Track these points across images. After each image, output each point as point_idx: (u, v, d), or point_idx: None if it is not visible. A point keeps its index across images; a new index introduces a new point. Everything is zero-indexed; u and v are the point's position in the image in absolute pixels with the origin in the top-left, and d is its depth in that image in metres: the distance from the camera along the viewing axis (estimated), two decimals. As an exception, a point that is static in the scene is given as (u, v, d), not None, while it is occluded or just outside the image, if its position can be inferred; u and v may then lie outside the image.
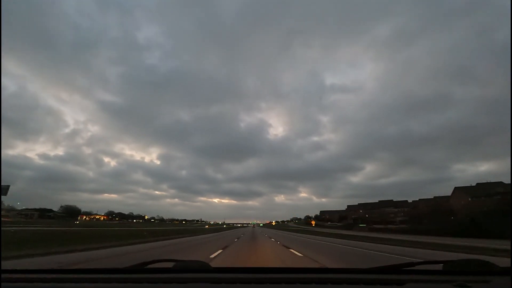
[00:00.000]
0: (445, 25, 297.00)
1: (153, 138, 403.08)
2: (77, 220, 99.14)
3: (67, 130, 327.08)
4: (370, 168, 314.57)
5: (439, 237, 29.32)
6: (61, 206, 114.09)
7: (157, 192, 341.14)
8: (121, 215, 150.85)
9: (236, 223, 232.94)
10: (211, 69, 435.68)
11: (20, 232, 18.32)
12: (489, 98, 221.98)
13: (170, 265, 1.58)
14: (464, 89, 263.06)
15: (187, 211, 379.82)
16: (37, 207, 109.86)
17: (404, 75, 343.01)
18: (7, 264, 6.27)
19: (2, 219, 46.74)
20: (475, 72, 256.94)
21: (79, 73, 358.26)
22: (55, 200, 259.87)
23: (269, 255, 9.36)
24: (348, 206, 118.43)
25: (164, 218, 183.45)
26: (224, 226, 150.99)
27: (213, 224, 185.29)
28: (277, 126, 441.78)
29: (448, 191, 68.69)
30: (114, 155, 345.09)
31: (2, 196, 18.58)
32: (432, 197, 75.81)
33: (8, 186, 19.36)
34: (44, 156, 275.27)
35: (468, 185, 61.89)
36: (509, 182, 47.64)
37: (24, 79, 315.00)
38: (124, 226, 60.42)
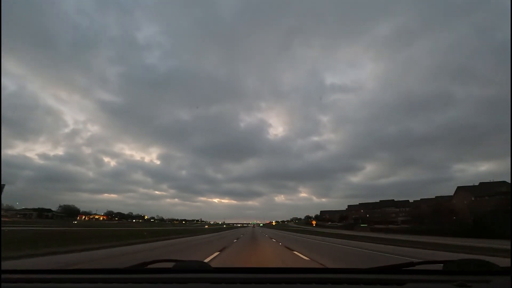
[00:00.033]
0: (445, 25, 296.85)
1: (153, 138, 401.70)
2: (75, 220, 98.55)
3: (66, 130, 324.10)
4: (370, 168, 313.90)
5: (442, 237, 29.03)
6: (60, 206, 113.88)
7: (157, 192, 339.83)
8: (120, 215, 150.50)
9: (236, 223, 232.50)
10: (210, 68, 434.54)
11: (13, 232, 17.90)
12: (490, 98, 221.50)
13: (170, 265, 1.58)
14: (465, 88, 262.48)
15: (187, 211, 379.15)
16: (36, 207, 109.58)
17: (404, 74, 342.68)
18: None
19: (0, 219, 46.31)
20: (476, 71, 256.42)
21: (79, 72, 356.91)
22: (55, 200, 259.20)
23: (271, 258, 8.61)
24: (348, 206, 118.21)
25: (164, 218, 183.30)
26: (224, 226, 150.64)
27: (213, 224, 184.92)
28: (277, 126, 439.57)
29: (448, 191, 68.53)
30: (114, 155, 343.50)
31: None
32: (434, 197, 75.67)
33: (3, 185, 18.90)
34: (43, 156, 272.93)
35: (470, 184, 61.52)
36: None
37: (23, 79, 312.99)
38: (123, 226, 60.12)
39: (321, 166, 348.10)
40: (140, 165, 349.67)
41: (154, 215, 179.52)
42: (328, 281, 1.20)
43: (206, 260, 7.99)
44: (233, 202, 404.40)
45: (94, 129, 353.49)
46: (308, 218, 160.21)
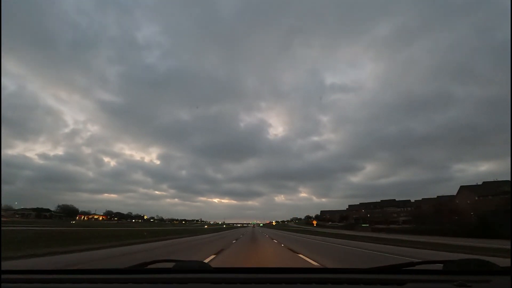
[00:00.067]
0: (445, 24, 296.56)
1: (152, 138, 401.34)
2: (74, 220, 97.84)
3: (66, 130, 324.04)
4: (370, 168, 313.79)
5: (446, 237, 28.60)
6: (58, 206, 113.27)
7: (157, 192, 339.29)
8: (119, 215, 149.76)
9: (236, 223, 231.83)
10: (210, 68, 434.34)
11: (5, 232, 17.25)
12: (490, 98, 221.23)
13: (170, 265, 1.57)
14: (465, 88, 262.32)
15: (187, 211, 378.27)
16: (36, 207, 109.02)
17: (404, 74, 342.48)
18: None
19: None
20: (476, 71, 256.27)
21: (79, 72, 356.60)
22: (55, 200, 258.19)
23: (274, 263, 7.77)
24: (349, 205, 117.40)
25: (164, 218, 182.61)
26: (224, 226, 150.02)
27: (213, 224, 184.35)
28: (277, 126, 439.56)
29: (449, 191, 68.13)
30: (113, 155, 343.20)
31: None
32: (436, 197, 74.96)
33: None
34: (43, 156, 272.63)
35: (471, 184, 60.79)
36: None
37: (23, 79, 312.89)
38: (122, 226, 59.71)
39: (321, 166, 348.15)
40: (140, 165, 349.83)
41: (154, 215, 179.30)
42: (328, 281, 1.21)
43: None
44: (233, 202, 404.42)
45: (94, 129, 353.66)
46: (308, 218, 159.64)
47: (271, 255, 9.87)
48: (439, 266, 1.48)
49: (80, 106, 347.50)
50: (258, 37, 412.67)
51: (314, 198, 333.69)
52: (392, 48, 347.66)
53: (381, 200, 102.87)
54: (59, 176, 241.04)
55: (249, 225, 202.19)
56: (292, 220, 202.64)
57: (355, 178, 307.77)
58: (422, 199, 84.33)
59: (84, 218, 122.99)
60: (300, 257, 9.02)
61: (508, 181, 54.27)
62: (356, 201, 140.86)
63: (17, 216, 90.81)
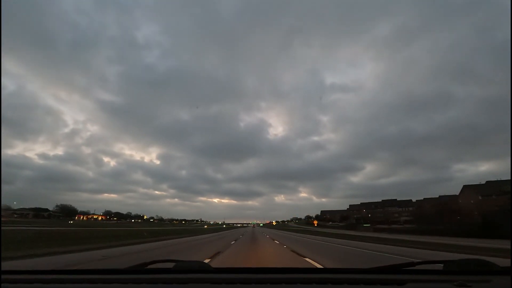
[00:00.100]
0: (445, 24, 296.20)
1: (152, 138, 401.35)
2: (72, 220, 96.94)
3: (66, 130, 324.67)
4: (370, 168, 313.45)
5: (450, 237, 28.03)
6: (57, 206, 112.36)
7: (157, 192, 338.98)
8: (119, 215, 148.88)
9: (236, 223, 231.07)
10: (210, 68, 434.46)
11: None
12: (490, 98, 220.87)
13: (170, 265, 1.57)
14: (465, 88, 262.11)
15: (187, 211, 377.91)
16: (34, 207, 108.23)
17: (404, 74, 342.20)
18: None
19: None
20: (476, 71, 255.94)
21: (78, 72, 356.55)
22: (55, 200, 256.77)
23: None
24: (350, 205, 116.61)
25: (164, 218, 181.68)
26: (224, 226, 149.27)
27: (213, 224, 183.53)
28: (277, 126, 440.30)
29: (449, 191, 67.62)
30: (113, 155, 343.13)
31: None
32: (437, 196, 74.31)
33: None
34: (43, 156, 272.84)
35: (477, 183, 59.98)
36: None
37: (23, 79, 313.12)
38: (121, 226, 59.14)
39: (321, 166, 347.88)
40: (140, 165, 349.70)
41: (154, 215, 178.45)
42: (328, 281, 1.21)
43: None
44: (233, 202, 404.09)
45: (93, 129, 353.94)
46: (308, 218, 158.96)
47: (276, 259, 8.99)
48: (439, 266, 1.47)
49: (80, 106, 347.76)
50: (258, 37, 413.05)
51: (314, 198, 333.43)
52: (392, 48, 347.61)
53: (382, 200, 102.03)
54: (59, 176, 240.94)
55: (249, 225, 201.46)
56: (292, 220, 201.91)
57: (355, 178, 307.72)
58: (424, 199, 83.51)
59: (83, 218, 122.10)
60: (307, 261, 8.12)
61: (512, 180, 53.62)
62: (356, 201, 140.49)
63: (15, 216, 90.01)
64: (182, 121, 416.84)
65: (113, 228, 39.99)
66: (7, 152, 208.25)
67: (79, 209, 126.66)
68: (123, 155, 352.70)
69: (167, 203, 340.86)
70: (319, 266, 7.23)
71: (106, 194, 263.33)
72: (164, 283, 1.25)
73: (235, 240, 18.51)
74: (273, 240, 19.76)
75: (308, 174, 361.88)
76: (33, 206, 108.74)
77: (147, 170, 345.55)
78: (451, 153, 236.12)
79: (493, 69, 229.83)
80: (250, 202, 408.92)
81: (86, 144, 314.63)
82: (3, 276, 1.35)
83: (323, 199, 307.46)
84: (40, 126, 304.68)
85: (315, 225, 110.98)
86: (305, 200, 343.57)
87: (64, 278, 1.39)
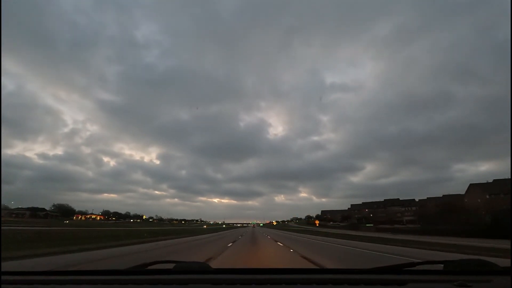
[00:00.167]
0: (445, 24, 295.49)
1: (152, 138, 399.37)
2: (68, 219, 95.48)
3: (66, 130, 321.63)
4: (370, 168, 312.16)
5: (455, 237, 27.06)
6: (54, 205, 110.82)
7: (156, 192, 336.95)
8: (118, 215, 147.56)
9: (236, 223, 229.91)
10: (210, 67, 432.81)
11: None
12: (490, 98, 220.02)
13: (170, 266, 1.57)
14: (465, 88, 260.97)
15: (187, 211, 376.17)
16: (31, 206, 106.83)
17: (404, 74, 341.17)
18: None
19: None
20: (476, 71, 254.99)
21: (78, 72, 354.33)
22: (55, 200, 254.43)
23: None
24: (351, 205, 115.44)
25: (163, 218, 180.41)
26: (224, 226, 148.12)
27: (212, 224, 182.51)
28: (277, 126, 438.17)
29: (449, 191, 66.35)
30: (113, 155, 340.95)
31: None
32: (441, 196, 73.16)
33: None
34: (43, 156, 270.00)
35: (484, 181, 58.87)
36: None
37: (22, 78, 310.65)
38: (119, 226, 58.22)
39: (321, 166, 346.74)
40: (140, 165, 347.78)
41: (154, 215, 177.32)
42: (328, 282, 1.21)
43: None
44: (233, 202, 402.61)
45: (93, 128, 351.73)
46: (308, 218, 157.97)
47: (276, 261, 7.80)
48: (440, 267, 1.47)
49: (79, 105, 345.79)
50: (258, 37, 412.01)
51: (314, 198, 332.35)
52: (392, 47, 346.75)
53: (384, 200, 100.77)
54: (58, 176, 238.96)
55: (249, 225, 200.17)
56: (292, 220, 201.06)
57: (355, 178, 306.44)
58: (427, 198, 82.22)
59: (80, 218, 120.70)
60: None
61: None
62: (356, 201, 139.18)
63: (13, 215, 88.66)
64: (182, 121, 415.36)
65: (111, 228, 39.45)
66: (6, 152, 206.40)
67: (79, 209, 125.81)
68: (123, 155, 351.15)
69: (167, 203, 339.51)
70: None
71: (106, 194, 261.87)
72: (164, 284, 1.24)
73: (233, 242, 17.15)
74: (276, 241, 18.13)
75: (308, 174, 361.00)
76: (30, 206, 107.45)
77: (147, 170, 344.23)
78: (451, 153, 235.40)
79: (493, 69, 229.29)
80: (250, 202, 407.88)
81: (86, 144, 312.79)
82: (3, 277, 1.33)
83: (323, 199, 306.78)
84: (39, 126, 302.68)
85: (317, 225, 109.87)
86: (305, 200, 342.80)
87: (64, 279, 1.38)
